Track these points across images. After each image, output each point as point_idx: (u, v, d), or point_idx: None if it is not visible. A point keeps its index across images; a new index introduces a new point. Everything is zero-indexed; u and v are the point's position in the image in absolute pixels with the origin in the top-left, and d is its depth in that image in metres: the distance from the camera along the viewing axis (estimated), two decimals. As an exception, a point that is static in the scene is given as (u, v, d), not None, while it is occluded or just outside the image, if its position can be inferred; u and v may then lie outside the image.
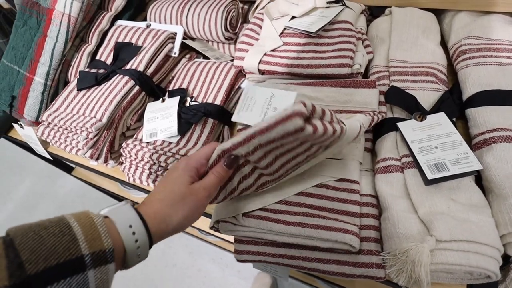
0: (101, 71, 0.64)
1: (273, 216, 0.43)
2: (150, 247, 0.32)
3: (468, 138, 0.45)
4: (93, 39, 0.68)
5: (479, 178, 0.42)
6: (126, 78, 0.60)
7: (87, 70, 0.66)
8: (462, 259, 0.34)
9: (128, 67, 0.63)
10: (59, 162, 0.99)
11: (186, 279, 1.31)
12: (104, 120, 0.56)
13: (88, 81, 0.62)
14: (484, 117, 0.43)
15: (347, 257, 0.41)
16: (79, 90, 0.62)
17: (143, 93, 0.62)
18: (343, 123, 0.37)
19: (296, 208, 0.43)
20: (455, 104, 0.46)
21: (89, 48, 0.68)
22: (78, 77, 0.64)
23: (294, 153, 0.37)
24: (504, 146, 0.40)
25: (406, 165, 0.42)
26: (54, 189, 1.70)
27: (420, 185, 0.40)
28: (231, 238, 0.48)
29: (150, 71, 0.63)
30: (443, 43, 0.55)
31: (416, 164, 0.41)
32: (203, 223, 0.97)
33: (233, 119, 0.50)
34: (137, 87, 0.61)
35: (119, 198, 1.28)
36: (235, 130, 0.58)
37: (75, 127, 0.56)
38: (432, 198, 0.39)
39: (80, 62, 0.67)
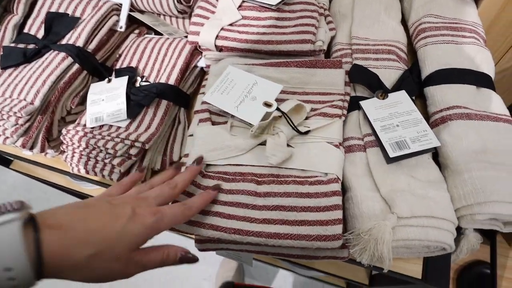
0: (31, 46, 0.55)
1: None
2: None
3: (426, 116, 0.45)
4: (19, 9, 0.58)
5: (435, 154, 0.43)
6: (63, 54, 0.52)
7: (13, 45, 0.56)
8: (422, 234, 0.34)
9: (64, 42, 0.54)
10: (-10, 154, 0.87)
11: (149, 270, 1.26)
12: (37, 103, 0.48)
13: (15, 58, 0.53)
14: (441, 95, 0.43)
15: (312, 240, 0.40)
16: (4, 68, 0.53)
17: (85, 72, 0.55)
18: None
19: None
20: (414, 83, 0.46)
21: (14, 19, 0.58)
22: (2, 53, 0.54)
23: None
24: (459, 123, 0.41)
25: (368, 144, 0.42)
26: (-6, 186, 1.52)
27: (382, 163, 0.40)
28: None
29: (91, 47, 0.55)
30: (403, 22, 0.55)
31: (378, 143, 0.41)
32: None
33: (205, 98, 0.45)
34: (76, 65, 0.53)
35: (71, 192, 1.18)
36: (192, 112, 0.53)
37: (0, 111, 0.48)
38: (393, 176, 0.39)
39: (4, 36, 0.57)
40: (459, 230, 0.42)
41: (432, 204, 0.35)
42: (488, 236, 0.78)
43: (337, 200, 0.36)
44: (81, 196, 1.22)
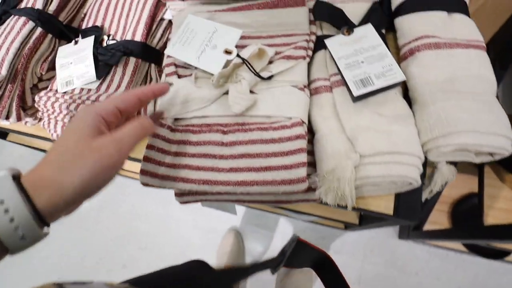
0: (-9, 13, 0.54)
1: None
2: (45, 224, 0.25)
3: (398, 50, 0.43)
4: (-28, -27, 0.55)
5: (407, 91, 0.41)
6: (23, 19, 0.51)
7: (-28, 13, 0.54)
8: (384, 170, 0.35)
9: (23, 5, 0.53)
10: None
11: (160, 228, 1.33)
12: (3, 71, 0.48)
13: (-24, 27, 0.52)
14: (409, 25, 0.41)
15: (283, 184, 0.41)
16: (-33, 38, 0.52)
17: (50, 35, 0.53)
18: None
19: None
20: (384, 15, 0.43)
21: (-30, -15, 0.56)
22: (-37, 23, 0.53)
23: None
24: (427, 53, 0.39)
25: (334, 84, 0.41)
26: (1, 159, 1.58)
27: (348, 103, 0.39)
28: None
29: (52, 8, 0.53)
30: None
31: (344, 82, 0.40)
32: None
33: (167, 52, 0.44)
34: (39, 29, 0.52)
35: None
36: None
37: (-30, 83, 0.48)
38: (358, 114, 0.38)
39: (-37, 5, 0.55)
40: (432, 164, 0.42)
41: (396, 140, 0.35)
42: (478, 166, 0.78)
43: (301, 143, 0.36)
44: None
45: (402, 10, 0.42)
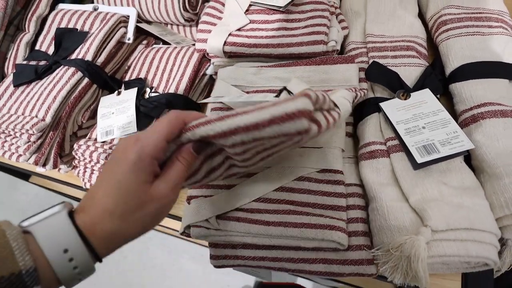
0: (42, 63, 0.55)
1: (250, 216, 0.38)
2: (98, 260, 0.27)
3: (453, 115, 0.41)
4: (31, 27, 0.59)
5: (468, 157, 0.39)
6: (72, 69, 0.52)
7: (25, 62, 0.56)
8: (461, 249, 0.31)
9: (73, 56, 0.54)
10: (9, 170, 0.89)
11: (167, 280, 1.25)
12: (48, 119, 0.48)
13: (27, 75, 0.53)
14: (470, 92, 0.40)
15: (335, 255, 0.37)
16: (16, 86, 0.53)
17: (95, 86, 0.54)
18: (337, 107, 0.31)
19: (276, 206, 0.38)
20: (438, 80, 0.43)
21: (26, 37, 0.58)
22: (15, 71, 0.55)
23: (280, 147, 0.31)
24: (494, 122, 0.37)
25: (392, 148, 0.38)
26: (15, 197, 1.56)
27: (408, 169, 0.37)
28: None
29: (100, 60, 0.55)
30: (420, 16, 0.52)
31: (403, 147, 0.38)
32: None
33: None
34: (86, 80, 0.53)
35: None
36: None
37: (13, 129, 0.48)
38: (422, 183, 0.35)
39: (17, 54, 0.58)
40: (501, 240, 0.38)
41: (470, 214, 0.32)
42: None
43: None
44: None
45: (459, 75, 0.41)
